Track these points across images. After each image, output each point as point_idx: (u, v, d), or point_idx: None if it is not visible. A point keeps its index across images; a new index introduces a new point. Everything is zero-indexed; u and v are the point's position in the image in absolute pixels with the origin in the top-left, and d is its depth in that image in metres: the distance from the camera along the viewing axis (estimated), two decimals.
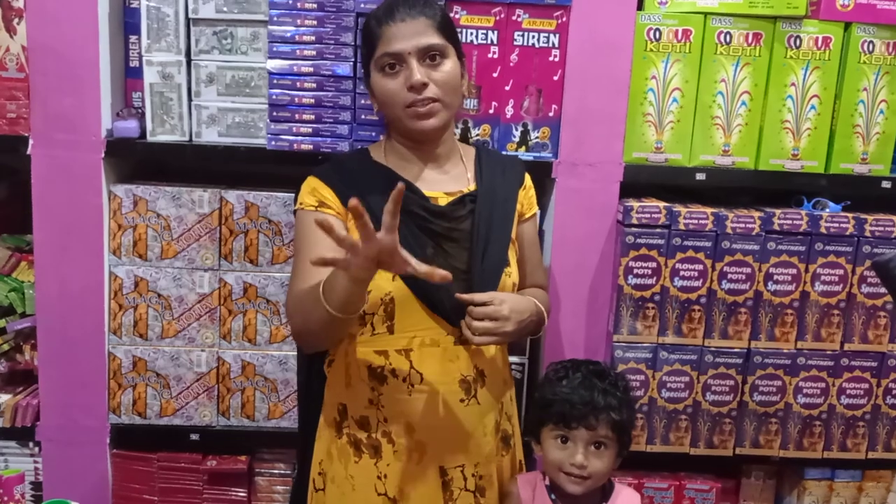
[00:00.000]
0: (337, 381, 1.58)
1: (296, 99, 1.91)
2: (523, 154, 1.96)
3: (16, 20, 1.87)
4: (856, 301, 1.97)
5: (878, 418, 2.03)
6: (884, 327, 1.98)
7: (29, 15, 1.86)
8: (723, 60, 1.93)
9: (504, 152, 1.94)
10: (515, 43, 1.91)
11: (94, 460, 2.05)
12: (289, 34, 1.88)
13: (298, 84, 1.90)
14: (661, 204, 1.93)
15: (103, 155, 1.92)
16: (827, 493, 2.13)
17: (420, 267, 1.29)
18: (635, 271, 1.93)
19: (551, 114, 1.95)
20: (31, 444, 2.05)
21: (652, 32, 1.91)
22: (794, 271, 1.94)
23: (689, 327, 1.95)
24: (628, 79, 1.93)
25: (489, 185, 1.60)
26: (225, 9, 1.89)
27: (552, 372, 1.63)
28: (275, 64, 1.89)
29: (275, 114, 1.91)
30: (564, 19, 1.90)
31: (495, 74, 1.92)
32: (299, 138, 1.92)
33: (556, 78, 1.93)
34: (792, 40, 1.93)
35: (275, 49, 1.89)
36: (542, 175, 1.94)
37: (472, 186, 1.60)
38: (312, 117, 1.91)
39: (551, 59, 1.92)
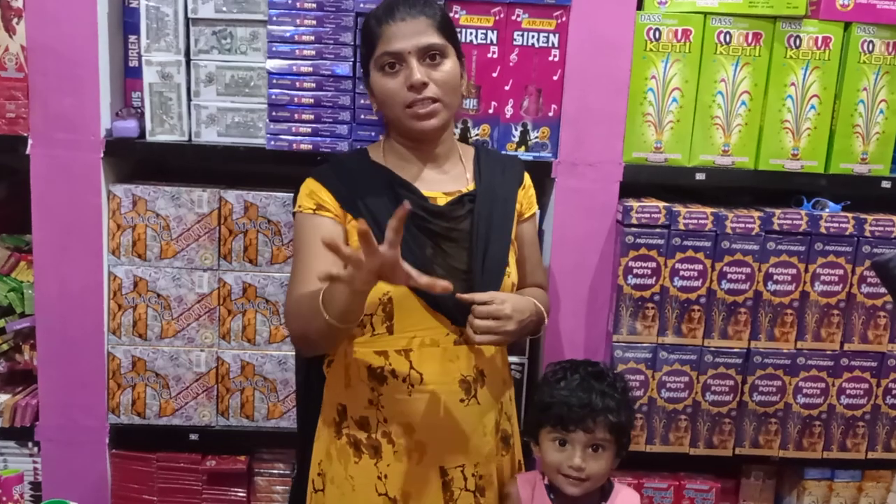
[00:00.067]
0: (336, 381, 1.58)
1: (295, 99, 1.91)
2: (523, 154, 1.95)
3: (15, 20, 1.87)
4: (855, 301, 1.97)
5: (877, 418, 2.03)
6: (883, 327, 1.98)
7: (28, 15, 1.86)
8: (722, 60, 1.93)
9: (504, 152, 1.94)
10: (515, 43, 1.91)
11: (94, 460, 2.05)
12: (288, 34, 1.88)
13: (298, 84, 1.90)
14: (661, 204, 1.93)
15: (102, 155, 1.92)
16: (827, 493, 2.13)
17: (421, 279, 1.30)
18: (635, 271, 1.93)
19: (551, 114, 1.94)
20: (30, 444, 2.05)
21: (652, 32, 1.91)
22: (794, 271, 1.94)
23: (688, 327, 1.95)
24: (628, 78, 1.93)
25: (488, 184, 1.60)
26: (224, 8, 1.89)
27: (550, 373, 1.62)
28: (274, 64, 1.89)
29: (274, 114, 1.91)
30: (564, 19, 1.90)
31: (495, 74, 1.92)
32: (298, 138, 1.92)
33: (555, 78, 1.93)
34: (792, 40, 1.93)
35: (274, 49, 1.89)
36: (542, 175, 1.94)
37: (471, 186, 1.60)
38: (312, 117, 1.91)
39: (551, 58, 1.92)
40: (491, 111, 1.94)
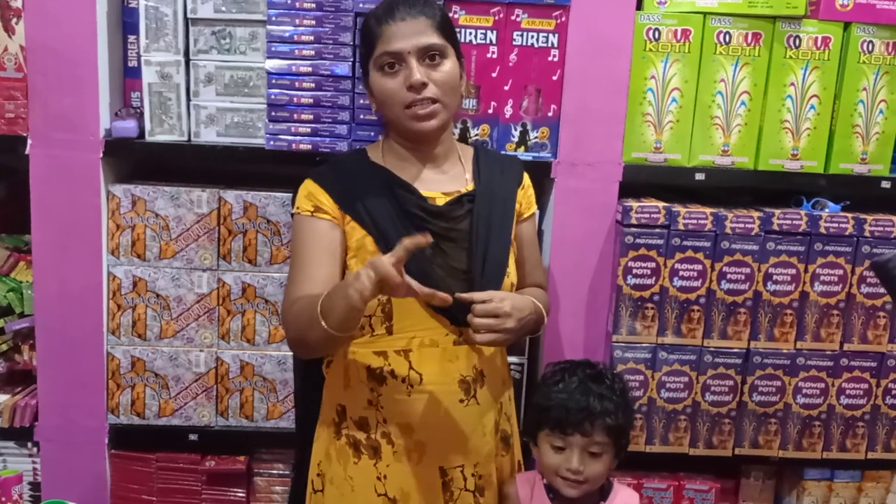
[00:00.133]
0: (335, 382, 1.58)
1: (294, 99, 1.90)
2: (522, 154, 1.95)
3: (14, 20, 1.87)
4: (855, 301, 1.97)
5: (877, 418, 2.02)
6: (883, 327, 1.98)
7: (27, 15, 1.86)
8: (722, 60, 1.93)
9: (503, 152, 1.94)
10: (514, 43, 1.91)
11: (93, 461, 2.04)
12: (287, 34, 1.88)
13: (297, 84, 1.90)
14: (661, 204, 1.93)
15: (102, 155, 1.91)
16: (826, 493, 2.13)
17: (422, 291, 1.32)
18: (634, 271, 1.92)
19: (550, 114, 1.94)
20: (29, 445, 2.05)
21: (651, 32, 1.91)
22: (794, 271, 1.94)
23: (688, 327, 1.95)
24: (627, 79, 1.93)
25: (487, 184, 1.60)
26: (223, 8, 1.89)
27: (548, 375, 1.62)
28: (273, 64, 1.89)
29: (273, 114, 1.91)
30: (563, 19, 1.90)
31: (494, 74, 1.92)
32: (298, 138, 1.92)
33: (555, 78, 1.93)
34: (791, 40, 1.93)
35: (273, 49, 1.88)
36: (542, 175, 1.94)
37: (471, 186, 1.59)
38: (311, 117, 1.91)
39: (550, 58, 1.92)
40: (490, 111, 1.94)
